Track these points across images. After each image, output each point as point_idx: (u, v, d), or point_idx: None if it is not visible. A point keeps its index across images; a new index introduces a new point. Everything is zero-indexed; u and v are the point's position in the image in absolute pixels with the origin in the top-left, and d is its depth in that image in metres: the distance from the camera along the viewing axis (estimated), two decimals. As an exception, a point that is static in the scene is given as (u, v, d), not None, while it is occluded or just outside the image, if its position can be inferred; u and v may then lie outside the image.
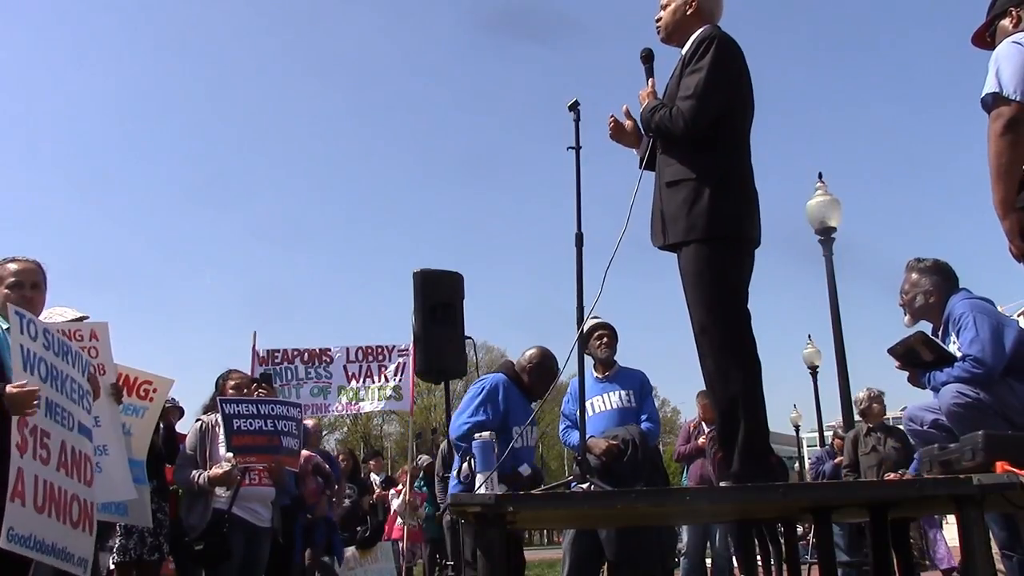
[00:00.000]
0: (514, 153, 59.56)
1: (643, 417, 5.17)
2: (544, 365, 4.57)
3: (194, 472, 4.80)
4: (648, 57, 3.43)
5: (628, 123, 3.52)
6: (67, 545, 3.23)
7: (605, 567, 5.43)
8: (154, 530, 5.36)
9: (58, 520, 3.19)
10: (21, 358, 3.16)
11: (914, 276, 3.92)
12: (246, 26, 58.65)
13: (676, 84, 3.21)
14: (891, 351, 3.82)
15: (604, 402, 5.18)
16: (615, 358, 5.34)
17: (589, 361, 5.29)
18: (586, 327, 5.18)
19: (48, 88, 54.85)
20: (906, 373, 3.84)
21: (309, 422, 7.68)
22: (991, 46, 3.05)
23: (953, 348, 3.65)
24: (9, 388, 3.06)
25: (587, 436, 4.88)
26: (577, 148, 3.55)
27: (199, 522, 4.70)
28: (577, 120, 3.59)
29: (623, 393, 5.19)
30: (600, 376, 5.29)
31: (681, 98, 3.13)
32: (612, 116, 3.55)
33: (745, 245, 3.18)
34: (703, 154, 3.14)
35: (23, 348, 3.19)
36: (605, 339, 5.26)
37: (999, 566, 3.96)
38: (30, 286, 3.54)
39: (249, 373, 6.50)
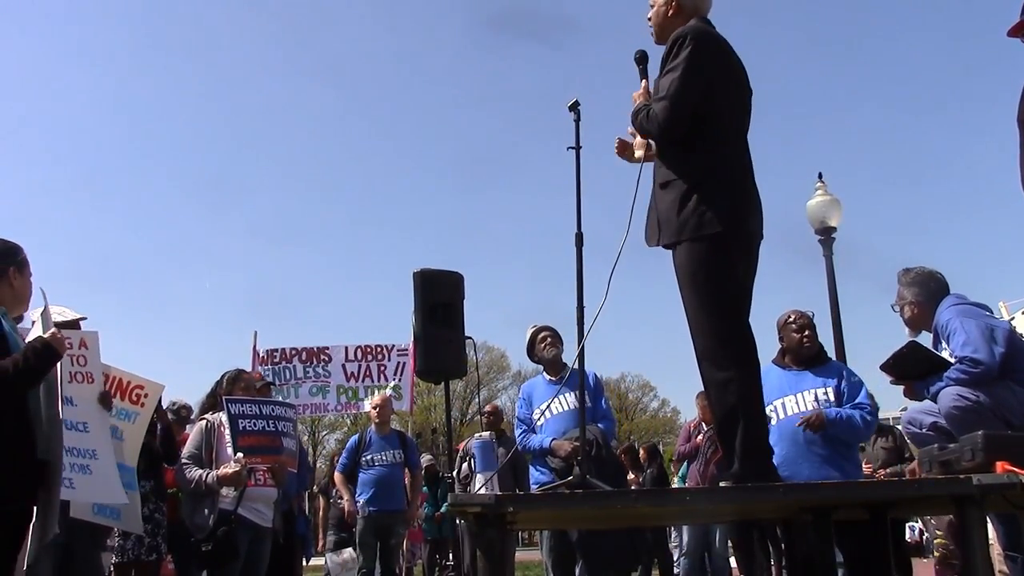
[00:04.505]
0: (514, 153, 59.42)
1: (600, 415, 5.20)
2: None
3: (200, 471, 4.69)
4: (642, 58, 3.37)
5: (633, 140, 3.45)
6: None
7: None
8: (152, 530, 5.36)
9: None
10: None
11: (900, 289, 3.97)
12: (245, 25, 58.62)
13: (657, 84, 3.18)
14: (883, 367, 3.81)
15: (560, 404, 5.19)
16: (563, 359, 5.35)
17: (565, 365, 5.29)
18: (528, 333, 5.41)
19: (47, 88, 54.77)
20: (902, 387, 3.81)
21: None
22: None
23: (946, 355, 3.64)
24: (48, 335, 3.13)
25: (549, 439, 5.02)
26: (577, 148, 3.55)
27: (205, 522, 4.61)
28: (577, 120, 3.59)
29: (576, 394, 5.06)
30: (553, 378, 5.30)
31: (656, 100, 3.10)
32: (618, 139, 3.49)
33: (741, 242, 3.08)
34: (689, 153, 3.08)
35: None
36: (549, 339, 5.31)
37: (1001, 567, 3.96)
38: None
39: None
